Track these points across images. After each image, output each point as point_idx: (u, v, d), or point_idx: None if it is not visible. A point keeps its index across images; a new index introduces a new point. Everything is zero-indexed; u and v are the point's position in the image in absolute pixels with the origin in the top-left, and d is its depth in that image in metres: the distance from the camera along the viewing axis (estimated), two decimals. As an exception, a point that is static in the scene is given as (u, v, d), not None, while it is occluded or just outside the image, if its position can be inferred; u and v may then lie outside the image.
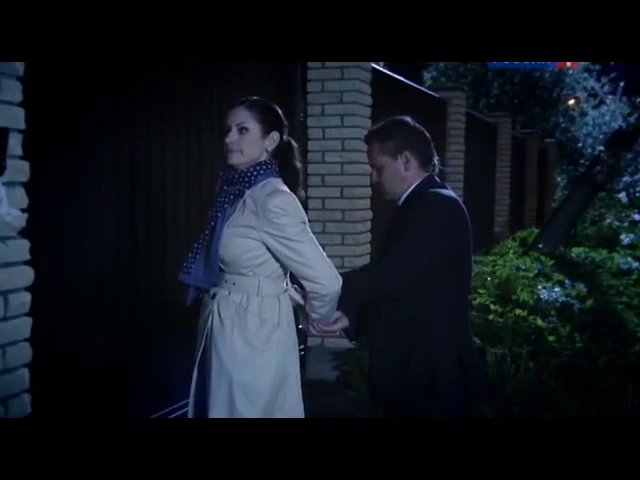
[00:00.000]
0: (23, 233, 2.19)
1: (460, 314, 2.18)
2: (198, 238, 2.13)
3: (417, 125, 2.24)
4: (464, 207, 2.18)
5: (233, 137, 2.08)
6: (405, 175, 2.17)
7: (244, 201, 2.07)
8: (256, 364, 2.03)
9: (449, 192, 2.18)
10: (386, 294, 2.12)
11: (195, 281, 2.11)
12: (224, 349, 2.04)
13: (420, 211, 2.10)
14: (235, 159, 2.09)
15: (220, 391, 2.02)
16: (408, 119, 2.25)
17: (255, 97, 2.17)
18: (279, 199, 2.02)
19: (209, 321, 2.09)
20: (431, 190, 2.15)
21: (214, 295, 2.10)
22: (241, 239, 2.05)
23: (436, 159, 2.23)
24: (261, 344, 2.04)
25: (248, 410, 2.00)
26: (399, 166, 2.17)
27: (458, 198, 2.20)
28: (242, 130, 2.08)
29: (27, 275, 2.21)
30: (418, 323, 2.08)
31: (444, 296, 2.10)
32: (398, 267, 2.09)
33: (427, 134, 2.24)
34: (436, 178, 2.22)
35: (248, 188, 2.08)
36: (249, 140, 2.08)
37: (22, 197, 2.18)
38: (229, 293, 2.07)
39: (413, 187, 2.18)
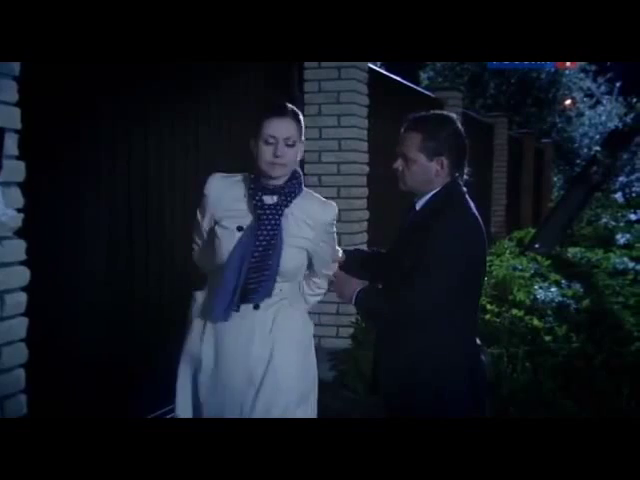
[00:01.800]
0: (19, 233, 2.19)
1: (471, 320, 2.14)
2: (250, 257, 2.03)
3: (461, 129, 2.13)
4: (480, 221, 2.11)
5: (282, 150, 2.03)
6: (433, 179, 2.07)
7: (292, 213, 2.07)
8: (309, 370, 2.18)
9: (469, 206, 2.10)
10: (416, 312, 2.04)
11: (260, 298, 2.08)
12: (288, 363, 2.07)
13: (443, 234, 2.00)
14: (279, 171, 2.05)
15: (276, 406, 2.04)
16: (456, 119, 2.14)
17: (290, 105, 2.10)
18: (334, 210, 2.15)
19: (259, 334, 2.06)
20: (452, 207, 2.06)
21: (256, 306, 2.07)
22: (300, 250, 2.10)
23: (467, 169, 2.14)
24: (309, 348, 2.21)
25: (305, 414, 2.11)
26: (431, 169, 2.06)
27: (475, 210, 2.12)
28: (290, 144, 2.04)
29: (23, 275, 2.21)
30: (423, 327, 2.03)
31: (453, 305, 2.03)
32: (425, 295, 1.98)
33: (467, 142, 2.14)
34: (457, 183, 2.12)
35: (293, 200, 2.08)
36: (294, 155, 2.06)
37: (18, 197, 2.17)
38: (288, 303, 2.13)
39: (433, 192, 2.08)
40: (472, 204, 2.11)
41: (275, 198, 2.06)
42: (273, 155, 2.02)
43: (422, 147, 2.05)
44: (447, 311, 2.02)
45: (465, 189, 2.15)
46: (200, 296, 2.17)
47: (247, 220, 2.05)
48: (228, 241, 2.05)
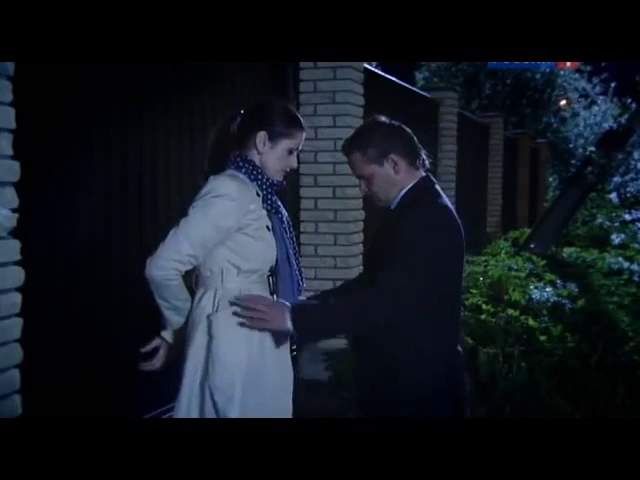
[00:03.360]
0: (14, 233, 2.18)
1: (449, 327, 2.05)
2: (293, 252, 2.11)
3: (394, 122, 2.10)
4: (456, 215, 2.05)
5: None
6: (396, 179, 2.05)
7: None
8: None
9: (443, 200, 2.05)
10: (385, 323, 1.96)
11: None
12: None
13: (413, 229, 1.95)
14: (283, 177, 2.16)
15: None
16: (383, 119, 2.11)
17: None
18: None
19: None
20: (421, 200, 2.02)
21: None
22: None
23: (424, 153, 2.10)
24: None
25: None
26: (388, 171, 2.04)
27: (451, 205, 2.06)
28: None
29: (18, 275, 2.20)
30: (402, 338, 1.97)
31: (430, 309, 1.97)
32: (394, 297, 1.91)
33: (407, 129, 2.10)
34: (430, 178, 2.10)
35: None
36: None
37: (13, 197, 2.17)
38: None
39: (406, 190, 2.06)
40: (445, 198, 2.06)
41: (276, 195, 2.11)
42: (290, 165, 2.09)
43: (368, 159, 2.04)
44: (420, 314, 1.94)
45: (435, 183, 2.11)
46: (225, 313, 1.98)
47: (267, 219, 2.05)
48: (268, 242, 2.03)
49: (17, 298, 2.20)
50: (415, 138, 2.11)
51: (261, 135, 2.04)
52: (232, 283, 2.00)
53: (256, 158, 2.06)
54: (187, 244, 1.94)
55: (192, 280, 2.09)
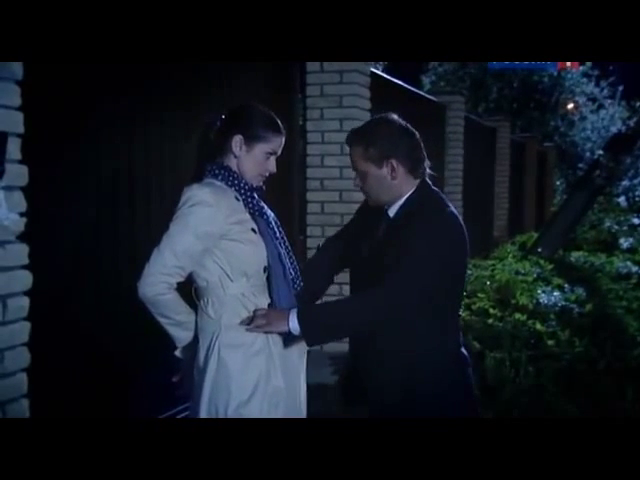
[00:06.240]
0: (22, 237, 2.19)
1: (454, 326, 2.06)
2: (284, 251, 2.11)
3: (404, 125, 2.03)
4: (461, 220, 2.03)
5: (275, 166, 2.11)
6: (392, 184, 2.00)
7: None
8: None
9: (451, 208, 2.01)
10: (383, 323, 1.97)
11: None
12: None
13: (423, 233, 1.93)
14: (261, 182, 2.13)
15: None
16: (394, 118, 2.04)
17: None
18: None
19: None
20: (431, 207, 1.99)
21: None
22: None
23: (427, 163, 2.05)
24: None
25: None
26: (385, 175, 1.99)
27: (455, 211, 2.03)
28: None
29: (25, 279, 2.21)
30: (412, 337, 1.98)
31: (437, 313, 1.98)
32: (400, 297, 1.91)
33: (416, 135, 2.04)
34: (429, 184, 2.06)
35: None
36: None
37: (21, 201, 2.17)
38: None
39: (406, 197, 2.01)
40: (450, 204, 2.04)
41: (257, 196, 2.10)
42: (267, 169, 2.07)
43: (367, 157, 2.00)
44: (427, 315, 1.96)
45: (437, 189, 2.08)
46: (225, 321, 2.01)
47: (252, 222, 2.04)
48: (255, 244, 2.02)
49: (25, 302, 2.21)
50: (422, 145, 2.05)
51: (237, 139, 2.03)
52: (231, 289, 2.02)
53: (233, 163, 2.06)
54: (171, 256, 1.96)
55: (192, 293, 2.10)
